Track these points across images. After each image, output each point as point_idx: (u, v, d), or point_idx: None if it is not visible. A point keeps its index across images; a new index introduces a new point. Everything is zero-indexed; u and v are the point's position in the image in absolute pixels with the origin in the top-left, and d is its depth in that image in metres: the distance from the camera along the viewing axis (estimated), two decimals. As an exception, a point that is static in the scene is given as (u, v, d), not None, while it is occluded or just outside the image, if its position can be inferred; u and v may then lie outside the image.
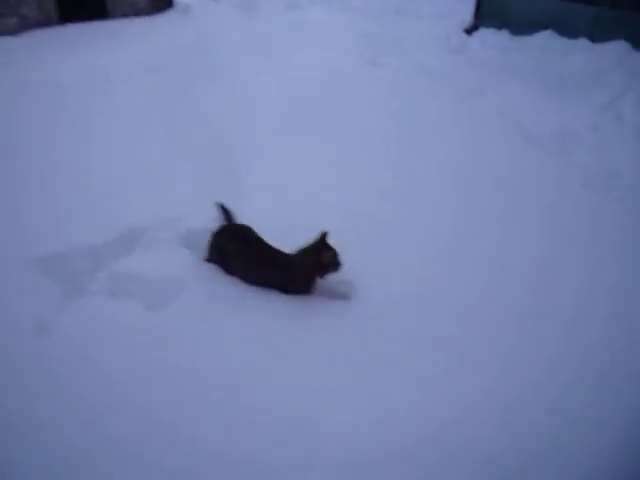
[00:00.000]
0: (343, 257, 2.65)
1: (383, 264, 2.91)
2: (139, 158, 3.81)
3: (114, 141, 4.06)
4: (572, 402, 2.14)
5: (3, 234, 2.89)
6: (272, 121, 4.59)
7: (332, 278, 2.73)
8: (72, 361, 2.19)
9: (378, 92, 5.58)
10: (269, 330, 2.46)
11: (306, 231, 2.71)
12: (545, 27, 6.61)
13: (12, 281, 2.58)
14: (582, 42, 6.13)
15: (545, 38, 6.53)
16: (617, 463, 1.92)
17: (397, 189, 3.70)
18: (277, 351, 2.35)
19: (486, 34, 7.24)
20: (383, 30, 7.90)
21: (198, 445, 1.90)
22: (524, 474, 1.88)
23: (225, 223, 2.93)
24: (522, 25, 6.88)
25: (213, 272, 2.78)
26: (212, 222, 2.96)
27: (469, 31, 7.53)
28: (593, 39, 6.05)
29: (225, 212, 3.00)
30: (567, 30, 6.35)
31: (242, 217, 2.96)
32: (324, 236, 2.67)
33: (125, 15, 8.50)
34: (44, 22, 7.38)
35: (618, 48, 5.71)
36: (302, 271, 2.70)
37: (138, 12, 8.64)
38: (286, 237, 2.74)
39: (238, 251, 2.75)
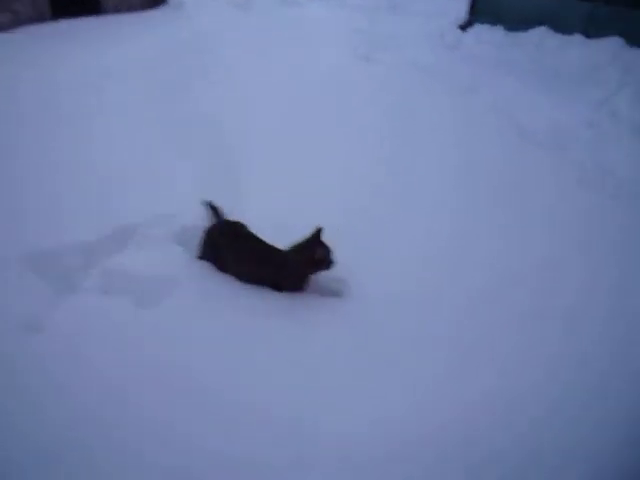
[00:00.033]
0: (337, 255, 2.64)
1: (379, 262, 2.90)
2: (134, 155, 3.78)
3: (109, 139, 4.02)
4: (572, 402, 2.14)
5: (-5, 231, 2.86)
6: (267, 117, 4.57)
7: (325, 275, 2.71)
8: (64, 358, 2.17)
9: (372, 88, 5.57)
10: (264, 328, 2.45)
11: (302, 229, 2.69)
12: (540, 23, 6.60)
13: (3, 278, 2.55)
14: (577, 38, 6.13)
15: (540, 34, 6.52)
16: (617, 463, 1.91)
17: (392, 186, 3.69)
18: (272, 348, 2.34)
19: (481, 30, 7.23)
20: (377, 27, 7.88)
21: (194, 443, 1.89)
22: (524, 474, 1.87)
23: (215, 221, 2.92)
24: (517, 21, 6.87)
25: (206, 269, 2.76)
26: (202, 220, 2.95)
27: (464, 27, 7.52)
28: (588, 35, 6.05)
29: (213, 210, 2.99)
30: (562, 26, 6.35)
31: (238, 214, 2.94)
32: (318, 232, 2.65)
33: (118, 10, 8.44)
34: (37, 18, 7.31)
35: (612, 44, 5.71)
36: (296, 268, 2.68)
37: (131, 7, 8.58)
38: (284, 234, 2.73)
39: (231, 247, 2.74)
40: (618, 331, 2.51)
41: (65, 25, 7.23)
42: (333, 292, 2.76)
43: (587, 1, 6.22)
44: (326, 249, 2.64)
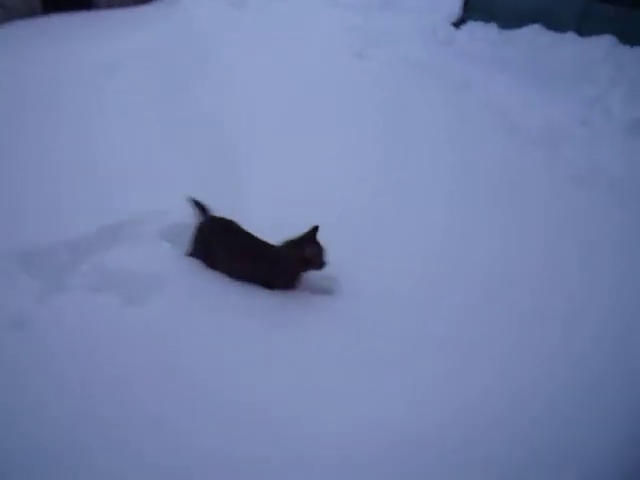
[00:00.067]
0: (333, 253, 2.62)
1: (376, 260, 2.90)
2: (129, 151, 3.78)
3: (107, 136, 4.01)
4: (572, 401, 2.14)
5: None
6: (263, 114, 4.56)
7: (318, 273, 2.69)
8: (51, 356, 2.15)
9: (365, 85, 5.55)
10: (257, 327, 2.45)
11: (299, 226, 2.68)
12: (533, 21, 6.58)
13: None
14: (570, 36, 6.11)
15: (533, 32, 6.50)
16: (616, 462, 1.91)
17: (386, 182, 3.70)
18: (267, 348, 2.34)
19: (474, 27, 7.20)
20: (370, 23, 7.84)
21: (194, 443, 1.89)
22: (524, 473, 1.86)
23: (202, 217, 2.90)
24: (510, 19, 6.85)
25: (195, 266, 2.74)
26: (191, 217, 2.93)
27: (457, 24, 7.49)
28: (581, 33, 6.04)
29: (199, 206, 2.97)
30: (555, 24, 6.34)
31: (236, 210, 2.91)
32: (314, 231, 2.63)
33: (110, 5, 8.37)
34: (27, 13, 7.25)
35: (605, 42, 5.70)
36: (288, 264, 2.66)
37: (124, 2, 8.50)
38: (282, 231, 2.73)
39: (223, 243, 2.72)
40: (616, 330, 2.50)
41: (57, 20, 7.17)
42: (324, 290, 2.74)
43: (580, -1, 6.22)
44: (318, 248, 2.62)
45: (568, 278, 2.85)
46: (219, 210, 2.90)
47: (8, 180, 3.31)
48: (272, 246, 2.71)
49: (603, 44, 5.69)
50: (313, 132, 4.31)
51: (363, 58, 6.44)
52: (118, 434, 1.89)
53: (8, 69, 4.93)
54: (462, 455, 1.89)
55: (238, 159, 3.78)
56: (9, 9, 7.06)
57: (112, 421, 1.93)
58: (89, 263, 2.71)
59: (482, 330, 2.50)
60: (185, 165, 3.63)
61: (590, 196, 3.62)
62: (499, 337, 2.46)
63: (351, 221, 3.15)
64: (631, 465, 1.90)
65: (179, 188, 3.17)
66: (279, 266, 2.67)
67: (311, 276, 2.73)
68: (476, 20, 7.32)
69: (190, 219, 2.98)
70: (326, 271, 2.68)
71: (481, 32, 7.03)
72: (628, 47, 5.52)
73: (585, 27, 6.03)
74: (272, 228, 2.75)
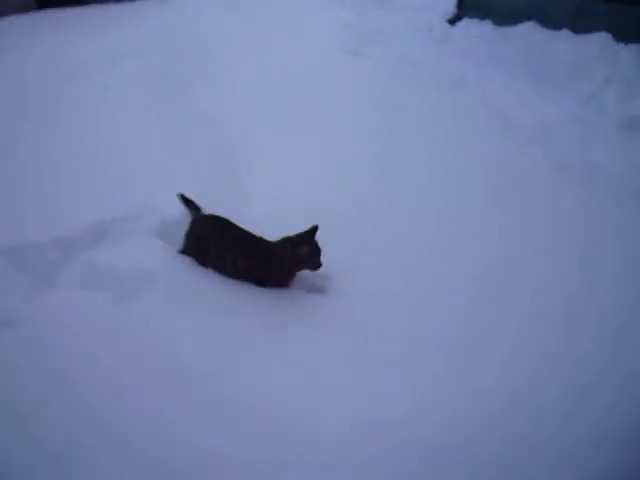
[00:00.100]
0: (327, 252, 2.61)
1: (372, 259, 2.91)
2: (124, 148, 3.77)
3: (98, 134, 3.99)
4: (571, 401, 2.14)
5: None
6: (261, 113, 4.56)
7: (313, 272, 2.69)
8: (40, 354, 2.14)
9: (361, 83, 5.56)
10: (252, 325, 2.44)
11: (297, 225, 2.67)
12: (528, 18, 6.59)
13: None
14: (565, 33, 6.12)
15: (528, 29, 6.52)
16: (616, 462, 1.91)
17: (383, 180, 3.69)
18: (264, 347, 2.32)
19: (469, 25, 7.21)
20: (365, 21, 7.86)
21: (194, 443, 1.88)
22: (524, 473, 1.86)
23: (192, 213, 2.90)
24: (505, 16, 6.86)
25: (187, 264, 2.73)
26: (184, 214, 2.93)
27: (452, 22, 7.50)
28: (575, 30, 6.05)
29: (188, 203, 2.97)
30: (550, 21, 6.35)
31: (234, 210, 2.91)
32: (313, 230, 2.61)
33: (103, 1, 8.35)
34: (21, 8, 7.22)
35: (600, 39, 5.72)
36: (282, 262, 2.65)
37: (116, -2, 8.49)
38: (281, 230, 2.71)
39: (218, 238, 2.70)
40: (615, 330, 2.50)
41: (51, 16, 7.14)
42: (318, 289, 2.74)
43: (575, -4, 6.23)
44: (314, 248, 2.60)
45: (567, 277, 2.84)
46: (217, 208, 2.89)
47: (1, 177, 3.29)
48: (267, 242, 2.69)
49: (598, 41, 5.71)
50: (311, 131, 4.31)
51: (359, 56, 6.45)
52: (118, 434, 1.88)
53: (4, 65, 4.90)
54: (462, 455, 1.89)
55: (235, 156, 3.78)
56: (4, 5, 7.01)
57: (112, 421, 1.92)
58: (80, 260, 2.69)
59: (482, 330, 2.50)
60: (183, 163, 3.62)
61: (585, 193, 3.63)
62: (499, 337, 2.46)
63: (348, 220, 3.15)
64: (631, 465, 1.91)
65: (176, 186, 3.16)
66: (273, 263, 2.65)
67: (305, 275, 2.73)
68: (471, 17, 7.33)
69: (183, 216, 2.98)
70: (321, 270, 2.67)
71: (476, 29, 7.04)
72: (623, 44, 5.54)
73: (580, 24, 6.04)
74: (271, 227, 2.74)
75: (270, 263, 2.65)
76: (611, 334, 2.46)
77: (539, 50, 6.15)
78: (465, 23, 7.29)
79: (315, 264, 2.61)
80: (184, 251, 2.81)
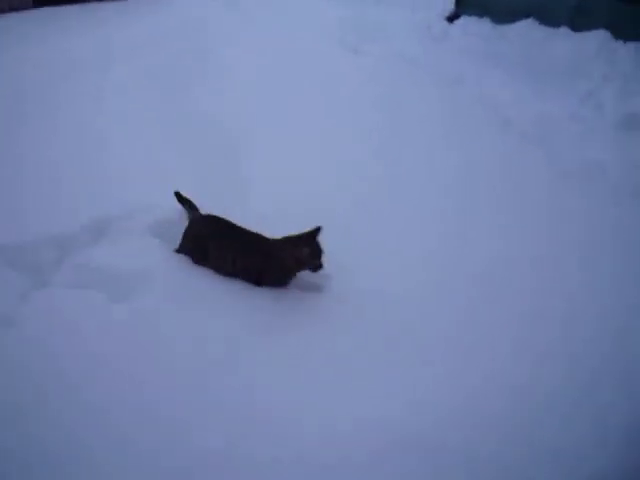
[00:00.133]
0: (326, 251, 2.60)
1: (371, 258, 2.91)
2: (124, 147, 3.76)
3: (98, 133, 3.98)
4: (571, 401, 2.14)
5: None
6: (260, 111, 4.56)
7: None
8: (37, 353, 2.15)
9: (360, 80, 5.56)
10: (251, 324, 2.44)
11: (296, 225, 2.66)
12: (526, 15, 6.58)
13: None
14: (563, 31, 6.11)
15: (526, 27, 6.51)
16: (615, 462, 1.91)
17: (382, 178, 3.70)
18: (261, 347, 2.32)
19: (468, 22, 7.21)
20: (364, 18, 7.86)
21: (194, 443, 1.88)
22: (524, 473, 1.87)
23: (188, 212, 2.90)
24: (503, 14, 6.85)
25: (183, 263, 2.73)
26: (180, 212, 2.93)
27: (451, 19, 7.50)
28: (574, 28, 6.04)
29: (184, 201, 2.97)
30: (548, 19, 6.34)
31: (234, 209, 2.91)
32: (316, 231, 2.60)
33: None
34: (19, 6, 7.20)
35: (599, 37, 5.71)
36: (282, 261, 2.64)
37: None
38: (281, 231, 2.70)
39: (217, 235, 2.70)
40: (615, 329, 2.50)
41: (49, 13, 7.12)
42: (317, 288, 2.73)
43: (573, -7, 6.22)
44: (316, 250, 2.58)
45: (567, 277, 2.84)
46: (217, 208, 2.89)
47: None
48: (267, 239, 2.69)
49: (596, 39, 5.70)
50: (311, 130, 4.31)
51: (359, 54, 6.46)
52: (117, 433, 1.88)
53: (1, 64, 4.89)
54: (462, 454, 1.89)
55: (235, 156, 3.78)
56: (1, 3, 6.99)
57: (111, 421, 1.92)
58: (77, 259, 2.69)
59: (482, 330, 2.50)
60: (183, 163, 3.62)
61: (584, 191, 3.63)
62: (499, 337, 2.46)
63: (347, 219, 3.15)
64: (631, 465, 1.91)
65: (174, 185, 3.15)
66: (273, 261, 2.65)
67: (304, 274, 2.71)
68: (470, 15, 7.33)
69: (180, 215, 2.97)
70: (326, 270, 2.66)
71: (475, 27, 7.04)
72: (621, 42, 5.53)
73: (578, 22, 6.03)
74: (270, 226, 2.74)
75: (270, 261, 2.64)
76: (611, 334, 2.46)
77: (537, 48, 6.14)
78: (463, 21, 7.30)
79: (315, 266, 2.59)
80: (181, 250, 2.80)
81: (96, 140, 3.84)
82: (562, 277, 2.84)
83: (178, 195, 3.01)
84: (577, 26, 6.03)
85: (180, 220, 2.92)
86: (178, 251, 2.80)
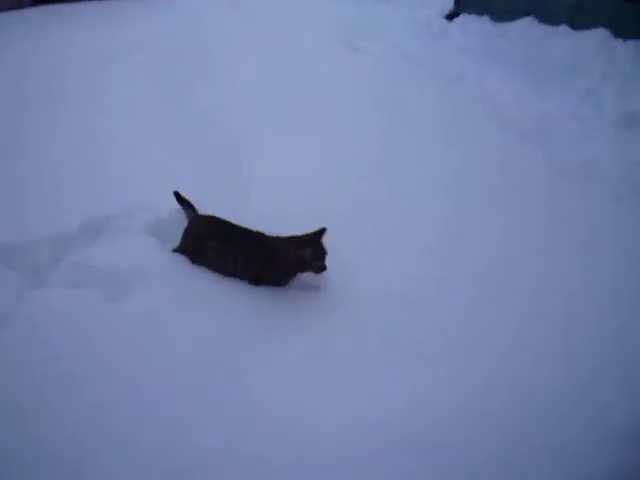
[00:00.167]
0: (329, 253, 2.60)
1: (370, 258, 2.90)
2: (124, 147, 3.76)
3: (97, 132, 3.99)
4: (571, 401, 2.14)
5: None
6: (260, 110, 4.55)
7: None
8: (35, 353, 2.15)
9: (360, 79, 5.55)
10: (250, 324, 2.44)
11: (295, 225, 2.66)
12: (526, 14, 6.57)
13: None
14: (563, 29, 6.10)
15: (526, 25, 6.49)
16: (615, 462, 1.91)
17: (382, 176, 3.69)
18: (261, 347, 2.32)
19: (467, 20, 7.19)
20: (364, 16, 7.83)
21: (195, 443, 1.88)
22: (523, 473, 1.87)
23: (187, 212, 2.90)
24: (503, 12, 6.84)
25: (182, 262, 2.73)
26: (178, 212, 2.92)
27: (450, 17, 7.48)
28: (574, 26, 6.03)
29: (183, 201, 2.97)
30: (548, 17, 6.33)
31: (234, 209, 2.90)
32: (320, 232, 2.59)
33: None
34: (16, 4, 7.18)
35: (598, 35, 5.70)
36: (284, 261, 2.64)
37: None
38: (281, 231, 2.70)
39: (216, 234, 2.70)
40: (615, 329, 2.50)
41: (47, 12, 7.11)
42: (315, 288, 2.73)
43: (573, -8, 6.21)
44: (319, 251, 2.57)
45: (567, 277, 2.84)
46: (217, 208, 2.89)
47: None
48: (267, 237, 2.68)
49: (596, 37, 5.68)
50: (311, 130, 4.29)
51: (358, 52, 6.45)
52: (117, 433, 1.89)
53: (4, 61, 4.88)
54: (462, 454, 1.90)
55: (235, 156, 3.77)
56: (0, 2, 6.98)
57: (111, 420, 1.93)
58: (74, 258, 2.69)
59: (482, 330, 2.50)
60: (183, 163, 3.62)
61: (584, 190, 3.62)
62: (499, 337, 2.45)
63: (347, 219, 3.14)
64: (631, 465, 1.91)
65: (174, 185, 3.15)
66: (274, 259, 2.64)
67: (304, 274, 2.71)
68: (469, 13, 7.31)
69: (178, 214, 2.97)
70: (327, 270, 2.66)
71: (474, 25, 7.02)
72: (621, 40, 5.52)
73: (578, 20, 6.02)
74: (271, 226, 2.74)
75: (271, 260, 2.64)
76: (611, 334, 2.46)
77: (537, 46, 6.13)
78: (463, 19, 7.28)
79: (318, 267, 2.58)
80: (180, 250, 2.80)
81: (95, 139, 3.84)
82: (562, 276, 2.83)
83: (177, 195, 3.01)
84: (577, 24, 6.02)
85: (178, 220, 2.92)
86: (177, 251, 2.80)
